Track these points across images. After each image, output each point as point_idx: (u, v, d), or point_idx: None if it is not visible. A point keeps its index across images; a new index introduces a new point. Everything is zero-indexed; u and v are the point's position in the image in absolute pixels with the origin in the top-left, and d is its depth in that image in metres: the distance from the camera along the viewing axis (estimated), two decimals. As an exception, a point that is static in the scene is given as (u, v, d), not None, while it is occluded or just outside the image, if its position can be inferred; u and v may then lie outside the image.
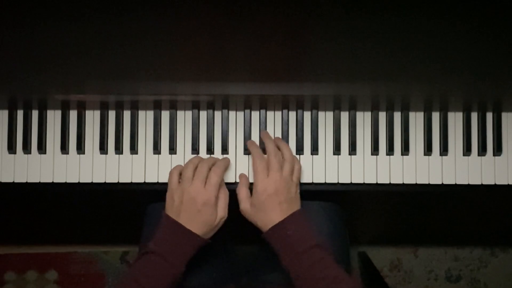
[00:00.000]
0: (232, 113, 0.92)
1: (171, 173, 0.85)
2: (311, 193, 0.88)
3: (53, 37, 0.70)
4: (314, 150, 0.91)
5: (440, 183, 0.92)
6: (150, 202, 0.99)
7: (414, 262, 1.57)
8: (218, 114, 0.92)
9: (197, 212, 0.80)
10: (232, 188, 0.87)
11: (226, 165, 0.88)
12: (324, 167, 0.92)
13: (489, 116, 0.93)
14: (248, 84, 0.82)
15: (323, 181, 0.91)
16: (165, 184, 0.85)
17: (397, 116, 0.92)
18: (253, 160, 0.85)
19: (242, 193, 0.85)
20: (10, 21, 0.67)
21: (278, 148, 0.87)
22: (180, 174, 0.85)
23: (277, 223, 0.80)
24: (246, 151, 0.91)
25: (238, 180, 0.90)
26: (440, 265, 1.57)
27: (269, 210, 0.81)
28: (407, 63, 0.76)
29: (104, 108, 0.91)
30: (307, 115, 0.92)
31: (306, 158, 0.91)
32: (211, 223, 0.81)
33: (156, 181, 0.91)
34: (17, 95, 0.89)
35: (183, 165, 0.89)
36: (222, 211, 0.82)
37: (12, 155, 0.92)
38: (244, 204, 0.84)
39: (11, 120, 0.92)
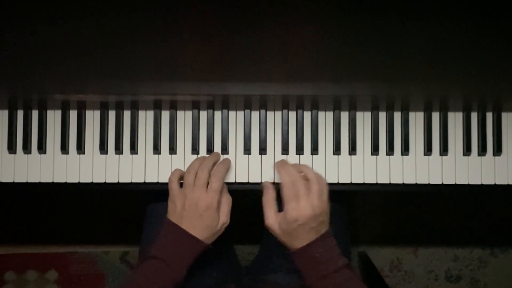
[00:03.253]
0: (232, 113, 0.92)
1: (170, 179, 0.84)
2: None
3: (53, 37, 0.70)
4: (314, 150, 0.91)
5: (440, 183, 0.91)
6: (150, 202, 0.99)
7: (414, 262, 1.57)
8: (218, 114, 0.92)
9: (199, 217, 0.80)
10: (232, 189, 0.87)
11: (227, 167, 0.88)
12: (324, 167, 0.92)
13: (489, 116, 0.93)
14: (248, 84, 0.81)
15: (323, 181, 0.91)
16: (165, 184, 0.85)
17: (397, 116, 0.92)
18: (282, 186, 0.81)
19: (269, 209, 0.81)
20: (10, 21, 0.67)
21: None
22: (180, 178, 0.85)
23: (304, 246, 0.78)
24: (246, 151, 0.91)
25: (238, 180, 0.90)
26: (440, 265, 1.57)
27: (299, 237, 0.78)
28: (407, 63, 0.76)
29: (104, 108, 0.91)
30: (307, 115, 0.92)
31: (306, 158, 0.91)
32: (213, 228, 0.81)
33: (156, 181, 0.91)
34: (17, 95, 0.89)
35: (182, 166, 0.89)
36: (224, 217, 0.82)
37: (12, 155, 0.92)
38: (272, 222, 0.80)
39: (11, 120, 0.92)
